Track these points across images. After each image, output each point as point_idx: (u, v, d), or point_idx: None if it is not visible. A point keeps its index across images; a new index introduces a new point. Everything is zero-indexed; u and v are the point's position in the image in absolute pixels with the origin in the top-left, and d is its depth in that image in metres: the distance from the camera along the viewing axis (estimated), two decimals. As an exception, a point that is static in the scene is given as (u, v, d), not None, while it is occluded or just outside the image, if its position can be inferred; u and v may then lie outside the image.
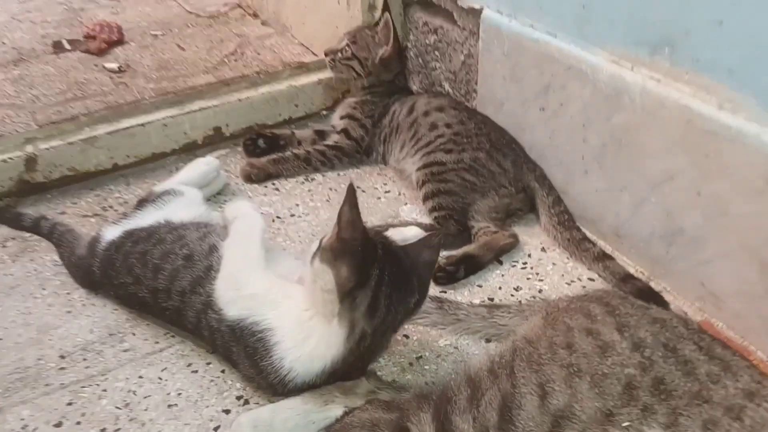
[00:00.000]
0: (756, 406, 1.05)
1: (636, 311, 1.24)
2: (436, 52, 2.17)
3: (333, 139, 2.11)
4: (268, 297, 1.29)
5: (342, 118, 2.13)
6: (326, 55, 2.19)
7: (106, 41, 2.89)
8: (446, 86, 2.16)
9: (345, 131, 2.09)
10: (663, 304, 1.53)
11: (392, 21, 2.13)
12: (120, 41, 2.95)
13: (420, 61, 2.25)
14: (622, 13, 1.51)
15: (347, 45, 2.15)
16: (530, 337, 1.24)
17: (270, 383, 1.28)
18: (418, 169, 1.86)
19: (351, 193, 1.17)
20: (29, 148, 1.93)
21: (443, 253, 1.71)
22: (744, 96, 1.32)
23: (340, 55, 2.15)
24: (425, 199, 1.81)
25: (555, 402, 1.09)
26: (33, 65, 2.79)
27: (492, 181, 1.80)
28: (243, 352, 1.29)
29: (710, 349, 1.16)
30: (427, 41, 2.19)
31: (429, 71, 2.22)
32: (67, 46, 2.92)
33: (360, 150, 2.08)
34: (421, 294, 1.28)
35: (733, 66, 1.32)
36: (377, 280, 1.20)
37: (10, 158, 1.90)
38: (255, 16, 3.23)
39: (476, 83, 2.02)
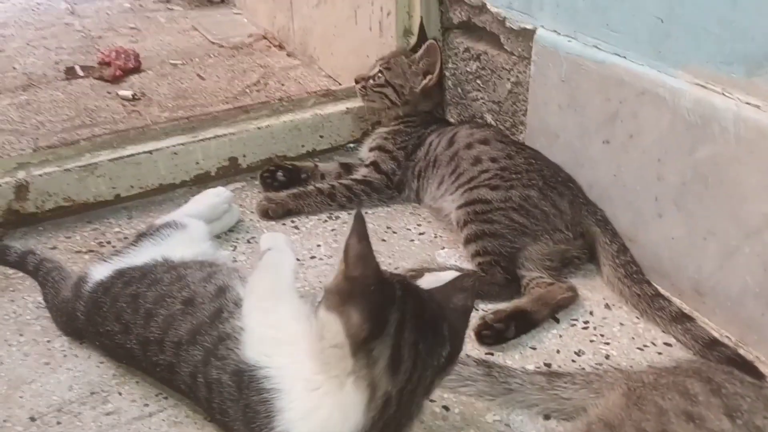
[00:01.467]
0: None
1: (747, 390, 0.99)
2: (478, 81, 1.94)
3: (361, 172, 1.88)
4: (292, 349, 1.04)
5: (372, 149, 1.92)
6: (356, 82, 2.00)
7: (121, 68, 2.74)
8: (489, 118, 1.94)
9: (374, 164, 1.87)
10: (758, 377, 1.25)
11: (440, 46, 1.93)
12: (137, 69, 2.80)
13: (459, 90, 2.03)
14: (712, 25, 1.28)
15: (380, 71, 1.95)
16: (609, 420, 0.99)
17: None
18: (459, 207, 1.62)
19: (359, 220, 0.98)
20: (21, 174, 1.73)
21: (489, 307, 1.46)
22: None
23: (372, 81, 1.95)
24: (467, 241, 1.56)
25: None
26: (42, 91, 2.64)
27: (545, 223, 1.55)
28: (242, 417, 1.05)
29: None
30: (468, 69, 1.97)
31: (469, 102, 2.00)
32: (80, 73, 2.77)
33: (391, 185, 1.85)
34: (453, 346, 1.03)
35: None
36: (397, 326, 0.96)
37: (-1, 184, 1.69)
38: (281, 47, 3.08)
39: (525, 114, 1.79)
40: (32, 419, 1.23)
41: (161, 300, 1.21)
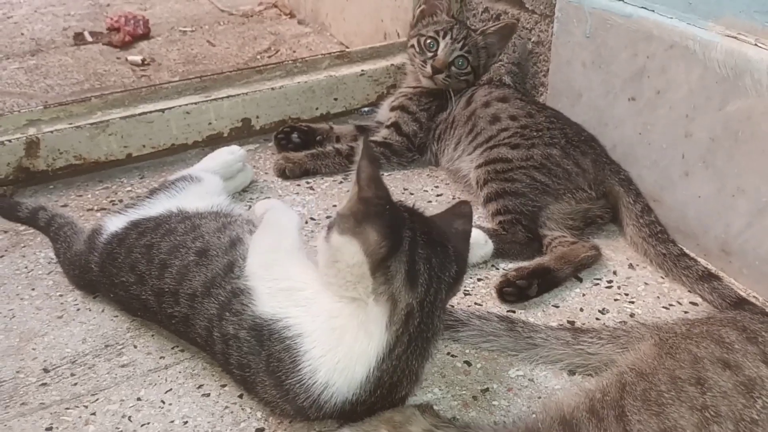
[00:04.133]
0: None
1: (784, 339, 0.95)
2: (498, 43, 1.90)
3: (381, 134, 1.83)
4: (305, 293, 1.03)
5: (393, 109, 1.85)
6: (439, 71, 1.76)
7: (130, 34, 2.70)
8: (508, 80, 1.90)
9: (395, 125, 1.81)
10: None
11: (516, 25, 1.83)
12: (146, 35, 2.76)
13: (477, 53, 1.98)
14: (747, -27, 1.24)
15: (463, 56, 1.78)
16: (642, 369, 0.96)
17: (300, 407, 1.00)
18: (478, 167, 1.58)
19: (367, 146, 1.00)
20: (31, 131, 1.69)
21: (510, 266, 1.43)
22: None
23: (454, 69, 1.78)
24: (487, 200, 1.53)
25: (687, 457, 0.81)
26: (50, 56, 2.60)
27: (568, 182, 1.51)
28: (265, 367, 1.02)
29: None
30: (487, 30, 1.92)
31: (487, 65, 1.96)
32: (89, 38, 2.73)
33: (412, 147, 1.80)
34: (459, 266, 1.04)
35: None
36: (411, 242, 0.98)
37: (9, 141, 1.66)
38: (291, 15, 3.03)
39: (546, 75, 1.75)
40: (45, 370, 1.21)
41: (175, 250, 1.19)
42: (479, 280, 1.41)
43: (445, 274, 1.01)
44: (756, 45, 1.25)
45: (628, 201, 1.51)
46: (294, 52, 2.65)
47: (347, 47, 2.58)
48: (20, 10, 3.08)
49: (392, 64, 2.06)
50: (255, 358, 1.04)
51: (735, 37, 1.29)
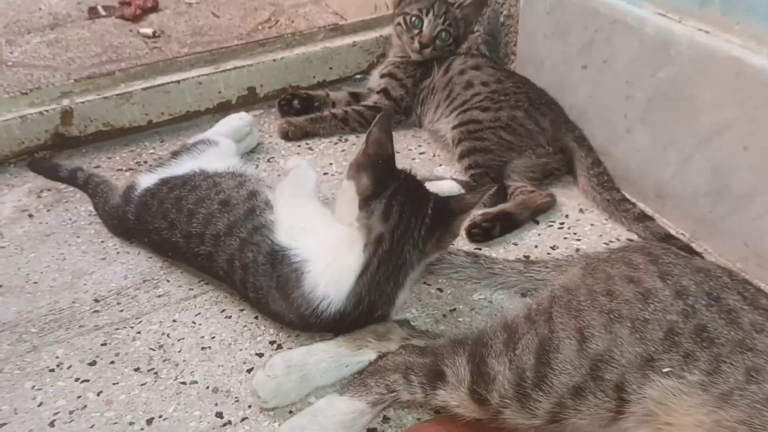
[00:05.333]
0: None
1: (679, 261, 1.21)
2: (474, 15, 2.13)
3: (372, 99, 2.06)
4: (316, 233, 1.33)
5: (383, 76, 2.08)
6: (426, 46, 1.98)
7: (140, 7, 2.92)
8: (484, 49, 2.13)
9: (384, 91, 2.04)
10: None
11: None
12: (154, 8, 2.98)
13: (457, 24, 2.21)
14: (672, -39, 1.47)
15: (445, 30, 1.98)
16: (569, 286, 1.21)
17: (302, 314, 1.28)
18: (454, 128, 1.83)
19: (385, 118, 1.30)
20: (65, 102, 1.94)
21: (478, 211, 1.68)
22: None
23: (438, 42, 1.99)
24: (461, 157, 1.78)
25: (594, 347, 1.07)
26: (68, 29, 2.82)
27: (529, 140, 1.76)
28: (275, 285, 1.30)
29: (755, 299, 1.11)
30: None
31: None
32: (102, 12, 2.95)
33: (399, 110, 2.04)
34: (435, 215, 1.29)
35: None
36: (393, 191, 1.27)
37: (46, 110, 1.91)
38: (289, -15, 3.22)
39: (515, 45, 1.98)
40: (96, 301, 1.48)
41: (201, 202, 1.43)
42: (452, 223, 1.67)
43: (417, 217, 1.27)
44: (680, 22, 1.49)
45: (581, 155, 1.76)
46: (292, 22, 2.87)
47: (342, 17, 2.80)
48: (35, -15, 3.28)
49: (381, 36, 2.28)
50: (267, 279, 1.31)
51: (664, 15, 1.52)
